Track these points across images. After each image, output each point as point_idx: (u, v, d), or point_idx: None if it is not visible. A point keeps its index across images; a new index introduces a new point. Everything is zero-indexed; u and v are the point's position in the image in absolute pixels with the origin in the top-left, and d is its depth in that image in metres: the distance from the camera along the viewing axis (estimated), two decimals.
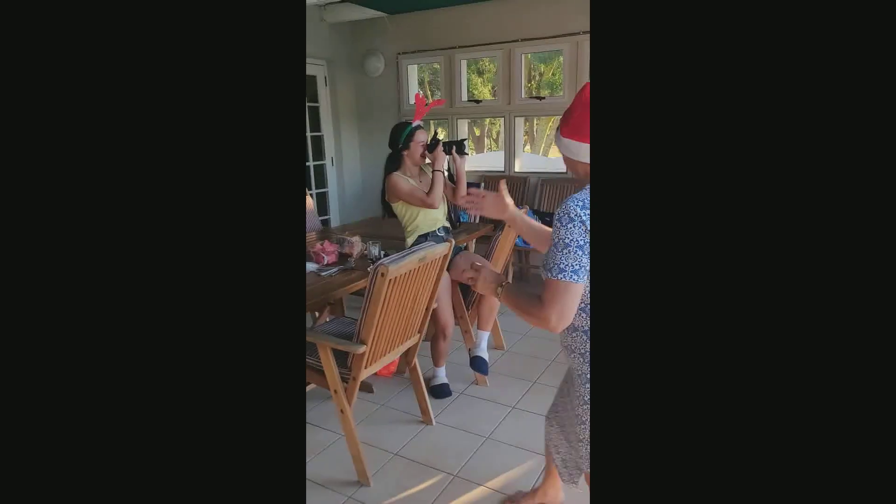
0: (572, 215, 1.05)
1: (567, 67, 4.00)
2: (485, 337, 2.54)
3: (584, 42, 3.88)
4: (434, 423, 2.26)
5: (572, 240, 1.04)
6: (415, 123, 2.48)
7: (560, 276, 1.05)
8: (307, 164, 4.68)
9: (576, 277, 1.05)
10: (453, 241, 2.06)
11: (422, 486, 1.88)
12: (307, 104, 4.55)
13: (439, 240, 2.45)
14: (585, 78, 3.97)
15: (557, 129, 1.18)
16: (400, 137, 2.48)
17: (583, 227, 1.04)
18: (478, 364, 2.48)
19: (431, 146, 2.47)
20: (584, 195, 1.08)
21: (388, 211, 2.57)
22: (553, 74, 10.72)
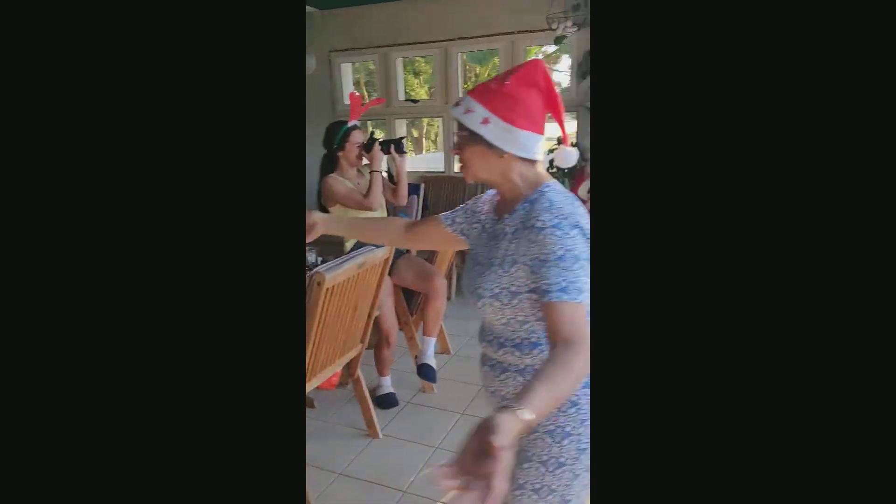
0: (576, 221, 0.89)
1: (503, 67, 3.99)
2: (431, 343, 2.45)
3: (519, 41, 3.88)
4: (381, 435, 2.15)
5: (581, 251, 0.87)
6: (350, 123, 2.36)
7: (580, 297, 0.83)
8: None
9: (584, 297, 0.85)
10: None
11: None
12: None
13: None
14: None
15: (486, 110, 0.93)
16: (335, 137, 2.36)
17: (583, 235, 0.89)
18: (425, 372, 2.39)
19: (368, 146, 2.36)
20: (564, 195, 0.94)
21: None
22: (488, 75, 10.83)
